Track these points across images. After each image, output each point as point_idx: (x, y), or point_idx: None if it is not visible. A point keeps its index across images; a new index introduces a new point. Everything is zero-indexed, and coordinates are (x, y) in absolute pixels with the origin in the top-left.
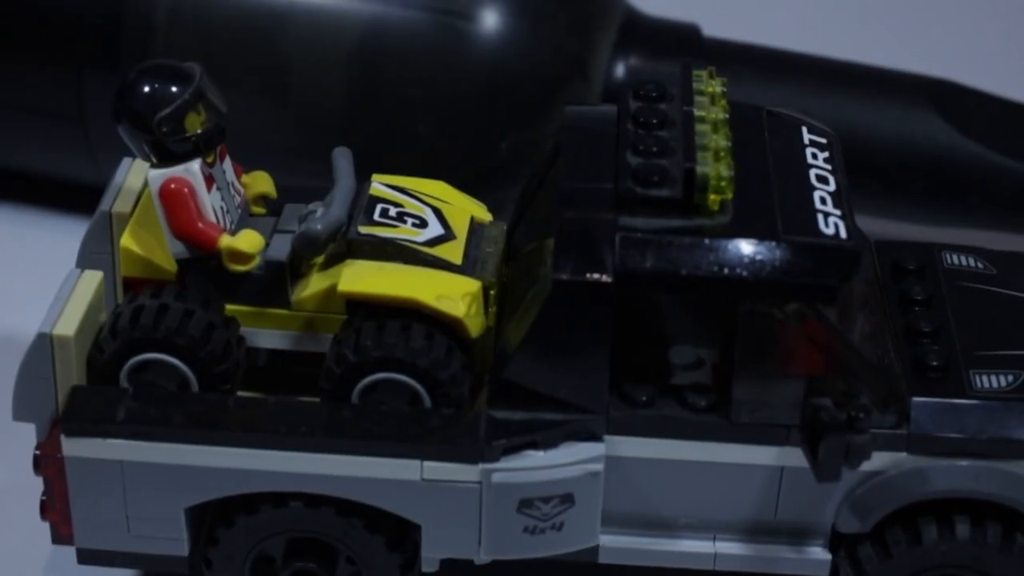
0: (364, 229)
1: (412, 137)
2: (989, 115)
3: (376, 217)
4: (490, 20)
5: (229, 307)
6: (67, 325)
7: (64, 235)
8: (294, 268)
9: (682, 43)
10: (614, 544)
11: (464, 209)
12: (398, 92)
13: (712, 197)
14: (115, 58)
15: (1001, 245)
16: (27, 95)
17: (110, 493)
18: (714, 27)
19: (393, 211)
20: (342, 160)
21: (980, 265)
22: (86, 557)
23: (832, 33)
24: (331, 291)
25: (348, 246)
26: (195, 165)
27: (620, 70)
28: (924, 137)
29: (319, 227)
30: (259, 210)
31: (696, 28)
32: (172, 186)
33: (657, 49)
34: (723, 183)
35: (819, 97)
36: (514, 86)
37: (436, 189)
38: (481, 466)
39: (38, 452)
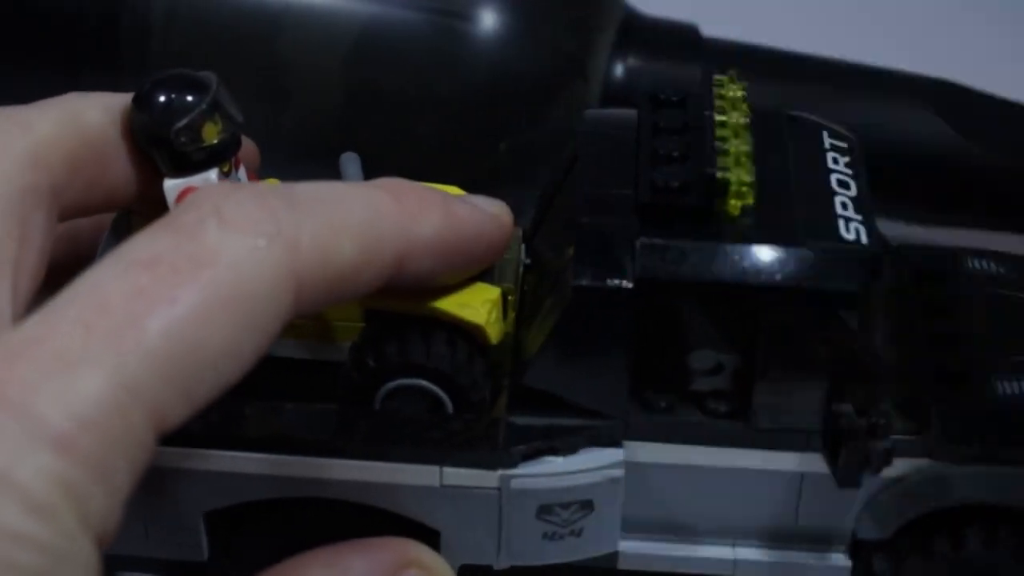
0: None
1: (411, 138)
2: (989, 115)
3: None
4: (489, 20)
5: None
6: None
7: None
8: None
9: (682, 43)
10: (634, 550)
11: None
12: (397, 93)
13: (733, 203)
14: (113, 59)
15: (1001, 246)
16: (25, 96)
17: (129, 499)
18: (714, 27)
19: None
20: (350, 165)
21: (1003, 270)
22: (105, 562)
23: (832, 33)
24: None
25: None
26: (212, 175)
27: (619, 70)
28: (924, 138)
29: None
30: None
31: (696, 28)
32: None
33: (656, 49)
34: (744, 189)
35: (819, 97)
36: (514, 86)
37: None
38: (500, 472)
39: None
